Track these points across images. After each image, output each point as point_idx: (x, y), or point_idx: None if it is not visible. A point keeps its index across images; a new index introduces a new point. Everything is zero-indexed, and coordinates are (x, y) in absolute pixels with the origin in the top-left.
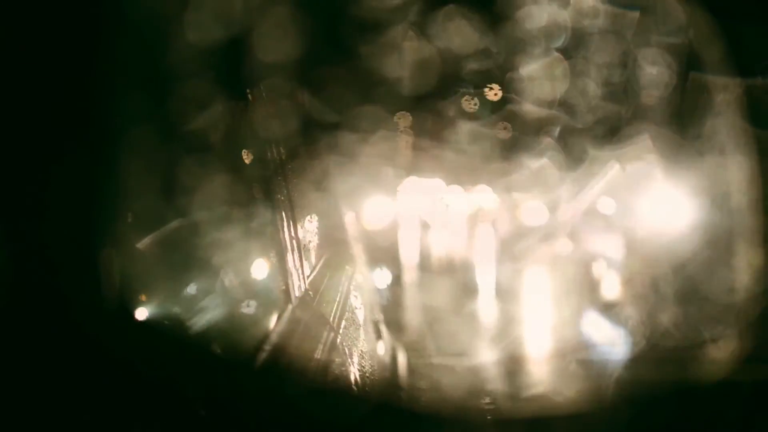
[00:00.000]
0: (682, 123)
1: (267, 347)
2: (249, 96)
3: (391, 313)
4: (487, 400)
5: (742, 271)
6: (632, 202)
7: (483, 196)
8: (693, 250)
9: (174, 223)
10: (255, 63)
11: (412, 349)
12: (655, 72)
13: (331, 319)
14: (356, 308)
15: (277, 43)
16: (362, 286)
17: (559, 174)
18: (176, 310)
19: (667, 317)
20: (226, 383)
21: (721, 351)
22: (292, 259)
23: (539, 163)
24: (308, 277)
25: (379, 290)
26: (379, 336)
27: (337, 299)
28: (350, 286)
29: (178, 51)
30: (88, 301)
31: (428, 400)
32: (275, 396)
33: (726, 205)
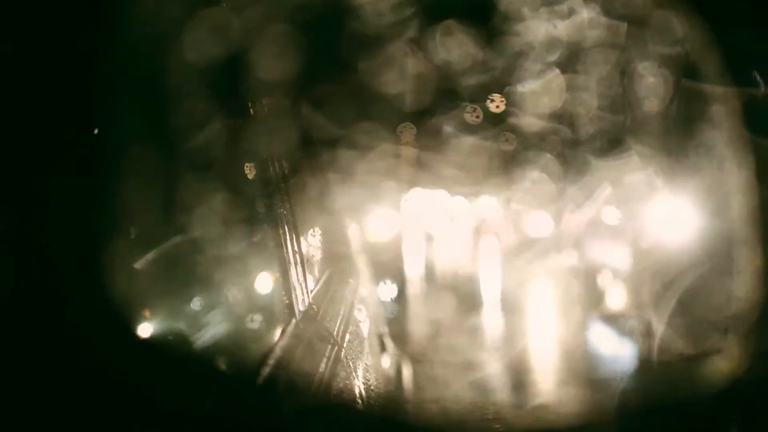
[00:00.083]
0: (681, 133)
1: (271, 362)
2: (251, 112)
3: (395, 326)
4: (492, 413)
5: (744, 280)
6: (635, 212)
7: (487, 208)
8: (694, 259)
9: (177, 239)
10: (256, 79)
11: (416, 362)
12: (654, 82)
13: (336, 333)
14: (360, 322)
15: (278, 60)
16: (366, 299)
17: (562, 185)
18: (179, 325)
19: (671, 327)
20: (229, 398)
21: (725, 360)
22: (295, 274)
23: (542, 175)
24: (312, 291)
25: (383, 303)
26: (383, 349)
27: (342, 313)
28: (354, 299)
29: (180, 68)
30: (88, 302)
31: (433, 413)
32: (279, 411)
33: (726, 214)
